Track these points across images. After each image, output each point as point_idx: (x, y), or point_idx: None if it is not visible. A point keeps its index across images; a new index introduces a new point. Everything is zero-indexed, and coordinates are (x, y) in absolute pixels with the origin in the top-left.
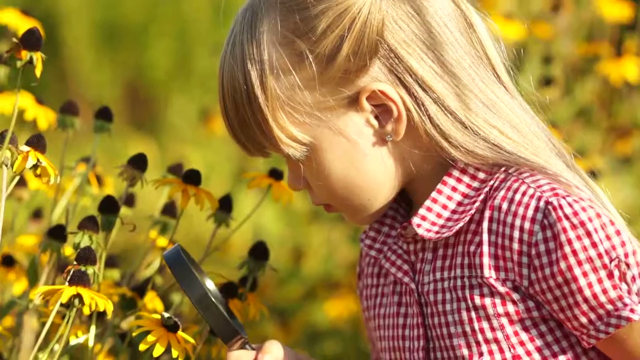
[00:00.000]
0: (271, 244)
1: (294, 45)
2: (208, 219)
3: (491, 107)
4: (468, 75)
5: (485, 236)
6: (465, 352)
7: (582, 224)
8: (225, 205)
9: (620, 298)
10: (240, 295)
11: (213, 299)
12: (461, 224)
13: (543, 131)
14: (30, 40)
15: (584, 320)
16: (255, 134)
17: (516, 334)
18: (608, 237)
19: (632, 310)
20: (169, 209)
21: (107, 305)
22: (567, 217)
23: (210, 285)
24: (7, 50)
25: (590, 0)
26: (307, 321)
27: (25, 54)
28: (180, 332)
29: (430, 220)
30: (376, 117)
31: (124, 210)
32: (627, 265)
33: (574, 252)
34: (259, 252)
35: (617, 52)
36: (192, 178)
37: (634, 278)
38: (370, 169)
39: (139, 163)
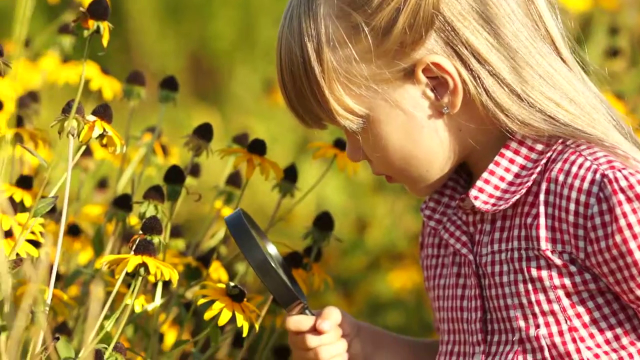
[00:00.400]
0: (335, 214)
1: (350, 18)
2: (273, 189)
3: (548, 79)
4: (525, 47)
5: (541, 208)
6: (522, 323)
7: (638, 196)
8: (290, 175)
9: None
10: (305, 265)
11: (273, 264)
12: (518, 196)
13: (602, 103)
14: (97, 9)
15: (639, 292)
16: (312, 106)
17: (573, 306)
18: None
19: None
20: (234, 179)
21: (172, 274)
22: (622, 190)
23: (272, 250)
24: (73, 20)
25: None
26: (370, 292)
27: (92, 24)
28: (244, 302)
29: (487, 192)
30: (432, 90)
31: (189, 180)
32: None
33: (629, 226)
34: (323, 222)
35: None
36: (258, 148)
37: None
38: (427, 141)
39: (204, 133)
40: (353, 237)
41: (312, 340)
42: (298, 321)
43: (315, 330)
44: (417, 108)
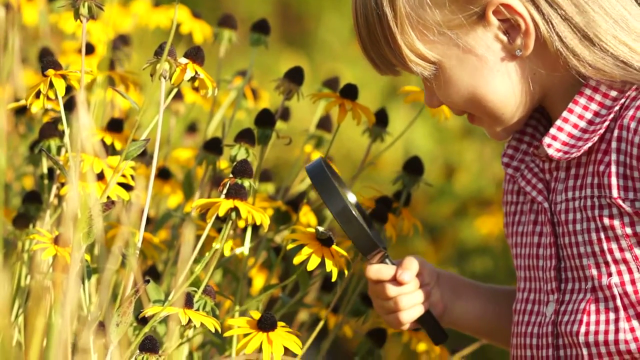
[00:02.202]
0: (423, 160)
1: None
2: (364, 133)
3: (621, 22)
4: None
5: (614, 156)
6: (595, 272)
7: None
8: (381, 119)
9: None
10: (394, 210)
11: (354, 212)
12: (590, 143)
13: None
14: None
15: None
16: (385, 52)
17: None
18: None
19: None
20: (324, 124)
21: (263, 219)
22: None
23: (352, 198)
24: None
25: None
26: (458, 238)
27: None
28: (334, 246)
29: (561, 140)
30: (505, 33)
31: (279, 124)
32: None
33: None
34: (413, 166)
35: None
36: (350, 92)
37: None
38: (499, 85)
39: (295, 76)
40: (441, 183)
41: (392, 290)
42: (378, 270)
43: (395, 280)
44: (489, 51)
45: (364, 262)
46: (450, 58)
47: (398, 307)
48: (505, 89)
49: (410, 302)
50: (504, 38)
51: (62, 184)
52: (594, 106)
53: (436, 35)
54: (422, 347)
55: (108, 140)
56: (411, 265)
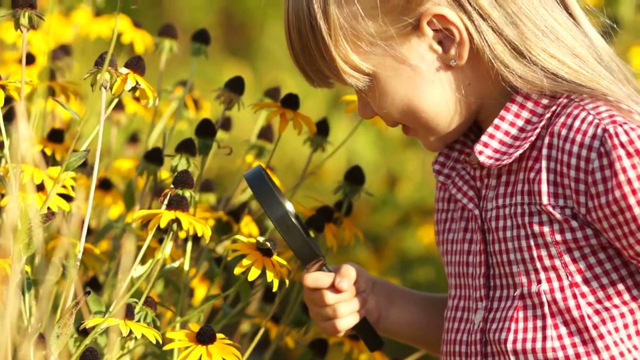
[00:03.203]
0: (365, 170)
1: None
2: (305, 143)
3: (551, 34)
4: (529, 2)
5: (544, 163)
6: (524, 279)
7: (638, 152)
8: (322, 129)
9: None
10: (336, 220)
11: (293, 220)
12: (521, 150)
13: (610, 56)
14: None
15: (639, 248)
16: (319, 64)
17: (574, 261)
18: None
19: None
20: (265, 133)
21: (205, 230)
22: (622, 145)
23: (290, 208)
24: None
25: None
26: (400, 248)
27: None
28: (275, 257)
29: (492, 147)
30: (439, 43)
31: (220, 134)
32: None
33: (629, 181)
34: (355, 176)
35: None
36: (291, 102)
37: None
38: (435, 95)
39: (236, 86)
40: (383, 193)
41: (330, 298)
42: (316, 278)
43: (333, 288)
44: (423, 62)
45: (303, 271)
46: (384, 69)
47: (336, 315)
48: (439, 99)
49: (347, 310)
50: (438, 48)
51: (2, 195)
52: (525, 114)
53: (370, 46)
54: (363, 357)
55: (48, 151)
56: (348, 272)
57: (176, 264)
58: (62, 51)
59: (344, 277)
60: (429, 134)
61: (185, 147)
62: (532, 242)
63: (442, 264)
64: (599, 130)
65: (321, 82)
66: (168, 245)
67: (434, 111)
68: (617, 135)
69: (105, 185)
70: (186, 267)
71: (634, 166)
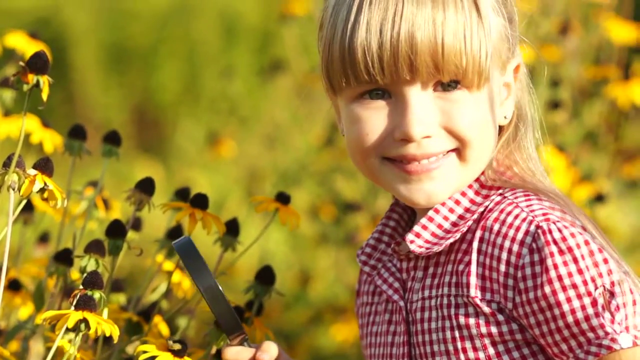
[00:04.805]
0: (277, 267)
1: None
2: (215, 243)
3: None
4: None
5: (474, 256)
6: None
7: (570, 249)
8: (232, 229)
9: (602, 326)
10: (247, 320)
11: (221, 290)
12: (451, 239)
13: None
14: (37, 63)
15: (564, 347)
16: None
17: (498, 355)
18: (595, 264)
19: (612, 340)
20: (176, 233)
21: (113, 330)
22: (555, 242)
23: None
24: (13, 74)
25: (598, 23)
26: (313, 345)
27: (32, 78)
28: (186, 357)
29: (424, 237)
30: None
31: (130, 234)
32: (612, 294)
33: (559, 278)
34: (265, 276)
35: (625, 75)
36: (200, 202)
37: (617, 307)
38: (493, 134)
39: (146, 187)
40: (296, 290)
41: None
42: (237, 352)
43: None
44: (497, 99)
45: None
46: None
47: None
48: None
49: None
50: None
51: None
52: (459, 209)
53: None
54: None
55: None
56: (270, 348)
57: None
58: None
59: (265, 352)
60: (458, 170)
61: (95, 248)
62: (457, 334)
63: (364, 356)
64: (532, 227)
65: (425, 73)
66: (75, 346)
67: (490, 145)
68: (550, 232)
69: (14, 285)
70: None
71: (565, 263)
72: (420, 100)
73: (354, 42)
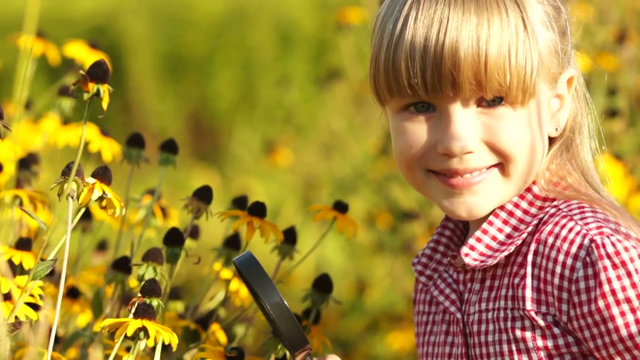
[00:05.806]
0: (334, 276)
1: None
2: (272, 252)
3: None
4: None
5: (529, 269)
6: None
7: (623, 263)
8: (289, 237)
9: None
10: (304, 328)
11: (288, 306)
12: (506, 252)
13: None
14: (97, 72)
15: None
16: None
17: None
18: None
19: None
20: (232, 241)
21: (172, 338)
22: (608, 256)
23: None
24: (74, 83)
25: None
26: (370, 354)
27: (92, 87)
28: None
29: (478, 250)
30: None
31: (188, 242)
32: None
33: (613, 292)
34: (323, 284)
35: None
36: (258, 211)
37: None
38: (539, 149)
39: (204, 195)
40: (352, 299)
41: None
42: None
43: None
44: (546, 113)
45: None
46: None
47: None
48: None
49: None
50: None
51: None
52: (513, 221)
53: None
54: None
55: (16, 259)
56: None
57: None
58: (30, 159)
59: None
60: (502, 185)
61: (152, 256)
62: (513, 347)
63: None
64: (586, 241)
65: (469, 89)
66: (134, 354)
67: (537, 160)
68: (604, 246)
69: (73, 293)
70: None
71: (619, 277)
72: (463, 116)
73: (398, 56)
